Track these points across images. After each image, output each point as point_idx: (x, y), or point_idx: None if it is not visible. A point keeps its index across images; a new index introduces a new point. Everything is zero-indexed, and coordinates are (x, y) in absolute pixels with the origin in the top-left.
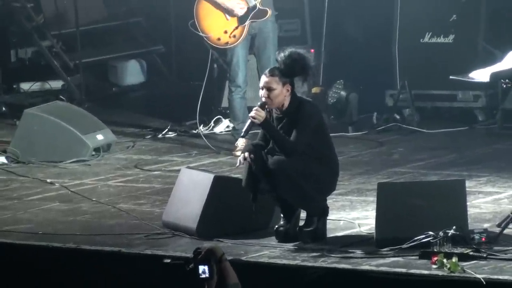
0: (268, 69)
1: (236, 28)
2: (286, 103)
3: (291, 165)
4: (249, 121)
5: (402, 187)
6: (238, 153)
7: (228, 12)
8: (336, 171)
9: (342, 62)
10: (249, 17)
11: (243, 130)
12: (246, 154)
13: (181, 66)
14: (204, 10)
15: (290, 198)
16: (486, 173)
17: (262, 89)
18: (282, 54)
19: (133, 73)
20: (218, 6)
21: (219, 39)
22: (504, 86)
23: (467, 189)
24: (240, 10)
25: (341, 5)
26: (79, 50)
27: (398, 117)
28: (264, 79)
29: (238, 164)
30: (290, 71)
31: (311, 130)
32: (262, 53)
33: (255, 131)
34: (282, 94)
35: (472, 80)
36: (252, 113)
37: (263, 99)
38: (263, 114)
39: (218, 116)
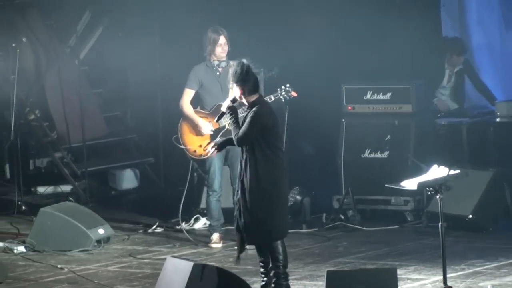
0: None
1: (209, 143)
2: (247, 102)
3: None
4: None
5: (346, 274)
6: (214, 245)
7: (197, 127)
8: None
9: (297, 171)
10: (219, 135)
11: (217, 116)
12: (212, 144)
13: (167, 174)
14: (186, 127)
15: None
16: (414, 263)
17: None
18: (234, 67)
19: (128, 179)
20: (192, 121)
21: (195, 151)
22: (429, 193)
23: (398, 276)
24: (206, 131)
25: (298, 126)
26: (85, 160)
27: (343, 217)
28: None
29: (208, 153)
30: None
31: (256, 127)
32: (235, 164)
33: None
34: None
35: (403, 188)
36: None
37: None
38: (228, 103)
39: (197, 215)
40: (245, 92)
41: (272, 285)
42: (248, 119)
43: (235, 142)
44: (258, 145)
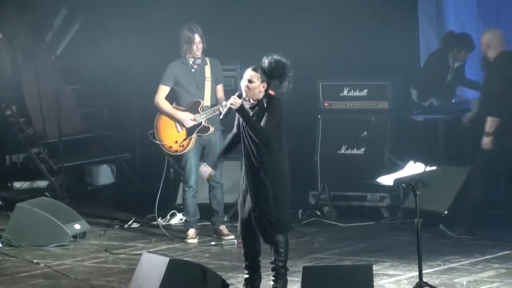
0: (254, 66)
1: (185, 139)
2: (259, 97)
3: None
4: (227, 107)
5: (322, 269)
6: (190, 240)
7: (179, 122)
8: (286, 180)
9: None
10: (195, 131)
11: (223, 113)
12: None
13: (144, 170)
14: (162, 122)
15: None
16: (390, 259)
17: (244, 80)
18: (270, 57)
19: (105, 175)
20: (172, 117)
21: (170, 147)
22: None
23: (374, 271)
24: (190, 122)
25: None
26: (61, 156)
27: (319, 213)
28: (248, 72)
29: (202, 176)
30: (271, 73)
31: (278, 120)
32: (210, 160)
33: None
34: (258, 89)
35: (379, 184)
36: (231, 101)
37: (242, 88)
38: (239, 101)
39: (173, 211)
40: (267, 88)
41: (271, 278)
42: (271, 108)
43: (258, 137)
44: (273, 136)
